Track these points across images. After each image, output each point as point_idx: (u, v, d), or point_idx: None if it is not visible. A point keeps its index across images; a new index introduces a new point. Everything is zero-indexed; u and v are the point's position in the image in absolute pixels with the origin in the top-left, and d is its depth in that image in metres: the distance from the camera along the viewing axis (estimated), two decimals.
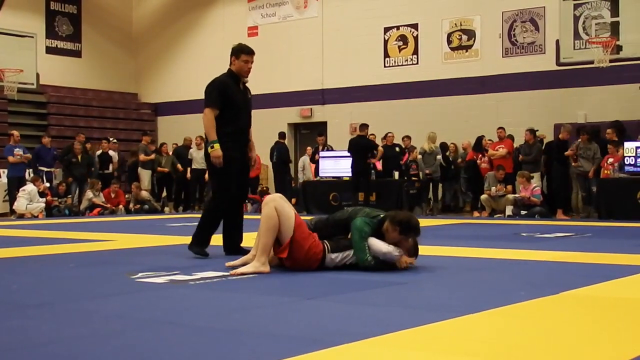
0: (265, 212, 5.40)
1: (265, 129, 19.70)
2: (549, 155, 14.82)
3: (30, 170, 16.74)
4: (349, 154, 15.43)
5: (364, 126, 15.68)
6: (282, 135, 18.16)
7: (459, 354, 2.98)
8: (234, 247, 6.72)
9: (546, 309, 4.04)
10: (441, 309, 4.03)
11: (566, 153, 14.12)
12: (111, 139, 18.68)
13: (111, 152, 18.15)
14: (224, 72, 6.93)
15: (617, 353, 3.00)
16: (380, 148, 15.77)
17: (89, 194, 16.59)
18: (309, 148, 18.12)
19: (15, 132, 16.82)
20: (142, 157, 17.65)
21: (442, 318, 3.61)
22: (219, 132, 6.56)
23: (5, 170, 16.82)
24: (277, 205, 5.40)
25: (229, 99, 6.66)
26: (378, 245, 5.40)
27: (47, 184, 16.46)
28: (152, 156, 17.78)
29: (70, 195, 16.80)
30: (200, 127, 21.90)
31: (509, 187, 14.62)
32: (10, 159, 16.25)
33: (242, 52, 6.76)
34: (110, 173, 17.88)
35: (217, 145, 6.50)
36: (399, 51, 18.67)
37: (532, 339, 3.25)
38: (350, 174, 15.44)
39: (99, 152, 18.02)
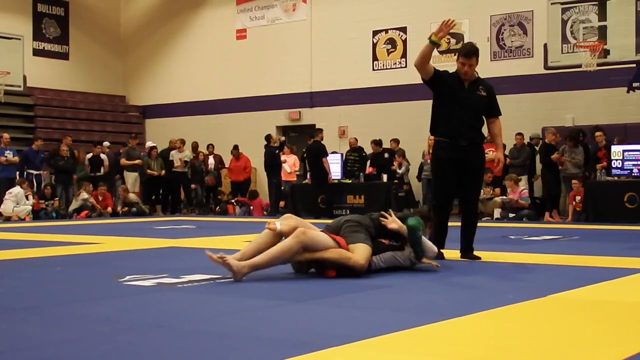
0: (289, 243, 5.21)
1: (254, 132, 19.72)
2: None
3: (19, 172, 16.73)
4: (305, 160, 16.12)
5: (318, 131, 15.93)
6: (267, 137, 17.97)
7: (447, 356, 2.98)
8: (462, 250, 6.64)
9: (534, 311, 4.05)
10: (429, 311, 4.03)
11: (552, 157, 14.17)
12: (104, 144, 18.63)
13: (102, 156, 18.11)
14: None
15: (605, 355, 3.01)
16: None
17: (84, 194, 16.52)
18: (286, 149, 17.98)
19: (6, 135, 16.76)
20: (122, 161, 17.72)
21: (429, 321, 3.61)
22: (436, 133, 6.66)
23: None
24: (306, 240, 5.22)
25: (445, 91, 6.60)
26: (429, 245, 5.65)
27: (33, 188, 16.39)
28: (137, 161, 17.82)
29: (57, 198, 16.75)
30: (186, 129, 21.71)
31: (497, 190, 14.66)
32: (2, 159, 16.23)
33: (459, 53, 6.62)
34: (101, 175, 17.85)
35: None
36: (388, 54, 18.71)
37: (519, 342, 3.25)
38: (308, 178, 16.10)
39: (89, 156, 17.98)
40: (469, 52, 6.54)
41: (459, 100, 6.53)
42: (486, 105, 6.68)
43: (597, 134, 14.24)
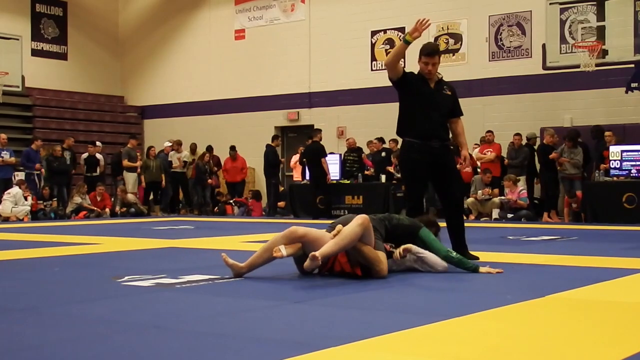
0: (357, 231, 5.18)
1: (252, 133, 19.72)
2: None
3: (17, 173, 16.71)
4: (304, 161, 16.11)
5: (317, 131, 15.92)
6: (272, 138, 17.94)
7: (446, 356, 2.97)
8: (456, 251, 6.49)
9: (532, 312, 4.04)
10: (427, 312, 4.03)
11: (550, 156, 14.17)
12: (97, 144, 18.60)
13: (98, 156, 18.10)
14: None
15: (604, 355, 3.01)
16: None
17: (77, 198, 16.52)
18: (301, 148, 17.97)
19: (3, 135, 16.76)
20: (125, 162, 17.69)
21: (428, 321, 3.61)
22: (405, 135, 6.58)
23: None
24: (368, 228, 5.24)
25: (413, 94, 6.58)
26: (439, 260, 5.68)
27: (30, 190, 16.42)
28: (138, 163, 17.81)
29: (55, 199, 16.74)
30: (185, 130, 21.71)
31: (496, 191, 14.66)
32: None
33: (421, 53, 6.58)
34: (97, 176, 17.84)
35: None
36: (386, 55, 18.70)
37: (518, 342, 3.25)
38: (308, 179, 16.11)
39: (85, 156, 17.97)
40: (432, 51, 6.57)
41: (428, 100, 6.51)
42: (452, 105, 6.66)
43: (607, 133, 14.24)
